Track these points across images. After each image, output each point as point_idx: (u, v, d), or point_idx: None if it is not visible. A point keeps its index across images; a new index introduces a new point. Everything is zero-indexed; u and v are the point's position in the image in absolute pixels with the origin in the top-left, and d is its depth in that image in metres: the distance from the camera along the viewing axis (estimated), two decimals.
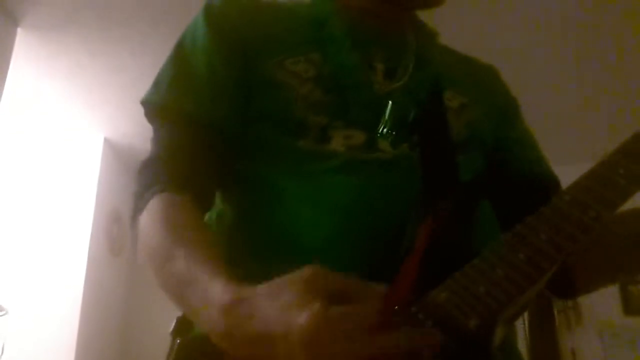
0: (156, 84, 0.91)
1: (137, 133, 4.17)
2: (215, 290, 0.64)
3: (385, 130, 0.85)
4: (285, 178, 0.83)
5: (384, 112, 0.86)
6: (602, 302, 4.08)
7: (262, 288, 0.61)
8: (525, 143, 1.03)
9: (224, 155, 0.86)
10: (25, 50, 3.34)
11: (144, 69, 3.45)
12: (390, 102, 0.87)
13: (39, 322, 3.89)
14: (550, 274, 0.65)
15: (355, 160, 0.82)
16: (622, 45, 3.35)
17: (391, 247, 0.75)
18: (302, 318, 0.54)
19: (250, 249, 0.80)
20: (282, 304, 0.57)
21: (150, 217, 0.78)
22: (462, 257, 0.68)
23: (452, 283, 0.65)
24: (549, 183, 0.98)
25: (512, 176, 0.97)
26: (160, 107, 0.90)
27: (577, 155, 3.88)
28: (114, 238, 4.59)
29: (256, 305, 0.60)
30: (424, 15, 1.04)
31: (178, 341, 0.80)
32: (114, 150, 4.60)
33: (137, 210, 0.81)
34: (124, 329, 4.66)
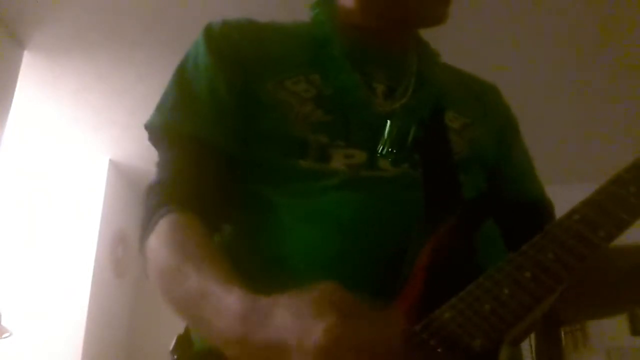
0: (159, 107, 0.92)
1: (143, 155, 4.19)
2: (230, 300, 0.64)
3: (385, 149, 0.85)
4: (286, 197, 0.83)
5: (383, 132, 0.86)
6: (610, 323, 4.05)
7: (279, 298, 0.61)
8: (521, 166, 1.03)
9: (227, 176, 0.87)
10: (32, 72, 3.37)
11: (150, 91, 3.47)
12: (389, 121, 0.87)
13: (44, 344, 3.87)
14: (558, 293, 0.64)
15: (355, 178, 0.82)
16: (625, 63, 3.36)
17: (392, 266, 0.74)
18: (318, 328, 0.54)
19: (251, 268, 0.79)
20: (298, 314, 0.57)
21: (159, 239, 0.79)
22: (467, 275, 0.67)
23: (457, 302, 0.65)
24: (540, 207, 0.99)
25: (505, 198, 0.97)
26: (163, 129, 0.90)
27: (578, 175, 3.89)
28: (119, 260, 4.59)
29: (272, 313, 0.60)
30: (426, 35, 1.05)
31: (176, 358, 0.80)
32: (119, 172, 4.61)
33: (145, 233, 0.82)
34: (128, 351, 4.64)
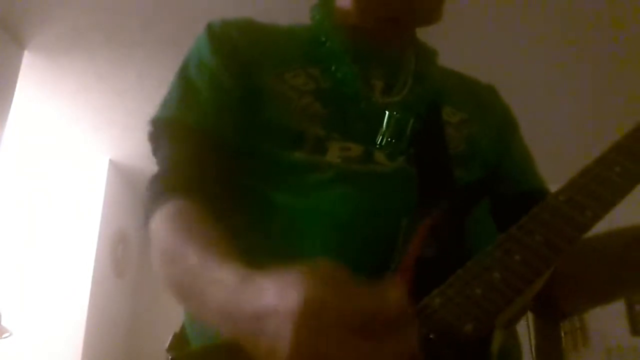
0: (163, 103, 0.93)
1: (143, 155, 4.18)
2: (225, 272, 0.63)
3: (382, 142, 0.86)
4: (281, 193, 0.84)
5: (382, 124, 0.87)
6: (609, 323, 4.05)
7: (273, 271, 0.57)
8: (522, 160, 1.04)
9: (227, 169, 0.88)
10: (32, 72, 3.37)
11: (149, 91, 3.47)
12: (387, 112, 0.88)
13: (44, 344, 3.87)
14: (548, 274, 0.65)
15: (350, 172, 0.83)
16: (622, 62, 3.36)
17: (387, 259, 0.75)
18: (299, 294, 0.50)
19: (247, 261, 0.80)
20: (284, 284, 0.53)
21: (161, 222, 0.79)
22: (458, 261, 0.67)
23: (446, 288, 0.65)
24: (542, 197, 0.98)
25: (508, 192, 0.97)
26: (167, 123, 0.91)
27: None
28: (119, 259, 4.59)
29: (261, 284, 0.57)
30: (423, 36, 1.05)
31: (171, 357, 0.80)
32: (119, 172, 4.61)
33: (149, 218, 0.82)
34: (128, 350, 4.64)
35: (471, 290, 0.63)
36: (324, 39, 0.95)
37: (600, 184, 0.66)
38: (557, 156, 4.02)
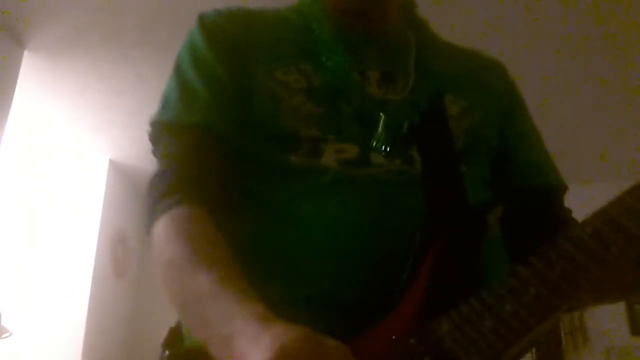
0: (162, 104, 0.91)
1: (143, 155, 4.18)
2: (241, 310, 0.63)
3: (379, 143, 0.83)
4: (278, 196, 0.82)
5: (377, 125, 0.83)
6: (609, 323, 4.05)
7: (267, 329, 0.58)
8: (530, 143, 0.98)
9: (227, 169, 0.86)
10: (32, 72, 3.36)
11: (150, 91, 3.46)
12: (382, 114, 0.84)
13: (44, 344, 3.87)
14: (564, 310, 0.61)
15: (346, 176, 0.80)
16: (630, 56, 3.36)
17: (387, 266, 0.73)
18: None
19: (244, 265, 0.79)
20: (264, 344, 0.56)
21: (166, 229, 0.77)
22: (472, 283, 0.65)
23: (455, 315, 0.62)
24: (552, 189, 0.94)
25: (515, 181, 0.93)
26: (167, 123, 0.89)
27: (584, 174, 3.87)
28: (119, 259, 4.59)
29: (250, 337, 0.59)
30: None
31: (167, 353, 0.78)
32: (119, 172, 4.61)
33: (152, 221, 0.80)
34: (128, 350, 4.63)
35: (480, 321, 0.60)
36: (314, 27, 0.92)
37: (629, 217, 0.60)
38: (560, 155, 4.01)
